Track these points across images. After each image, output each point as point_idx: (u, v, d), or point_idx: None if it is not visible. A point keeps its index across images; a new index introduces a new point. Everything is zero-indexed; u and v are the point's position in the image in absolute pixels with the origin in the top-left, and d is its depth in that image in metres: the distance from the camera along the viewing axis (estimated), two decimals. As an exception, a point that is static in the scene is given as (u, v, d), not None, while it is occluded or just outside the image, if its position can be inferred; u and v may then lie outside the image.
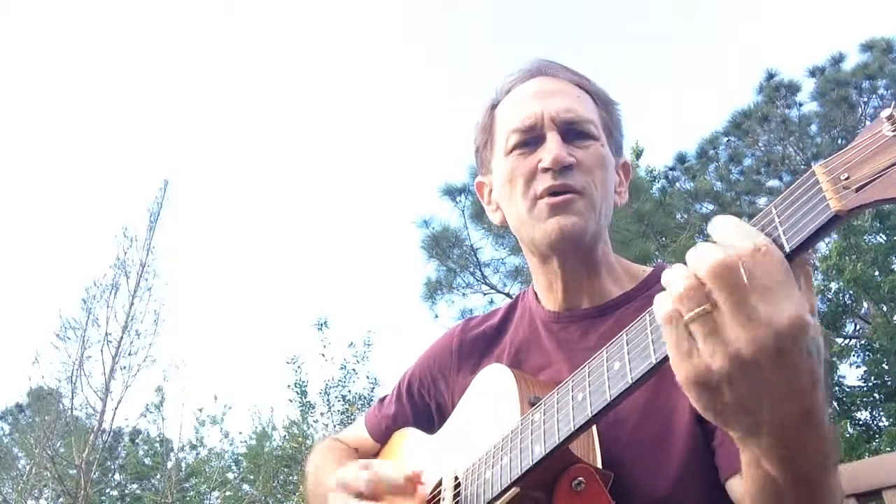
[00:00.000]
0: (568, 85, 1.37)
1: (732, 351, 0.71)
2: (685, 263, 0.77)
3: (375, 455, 1.63)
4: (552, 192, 1.27)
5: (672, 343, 0.76)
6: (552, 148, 1.27)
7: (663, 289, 0.79)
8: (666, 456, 1.15)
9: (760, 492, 0.86)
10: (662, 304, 0.77)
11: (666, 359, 0.83)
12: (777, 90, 15.08)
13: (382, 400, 1.66)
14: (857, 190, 0.68)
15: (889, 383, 11.35)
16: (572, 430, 0.98)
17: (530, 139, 1.31)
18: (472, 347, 1.50)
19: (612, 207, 1.36)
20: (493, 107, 1.43)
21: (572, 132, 1.30)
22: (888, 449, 9.61)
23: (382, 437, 1.61)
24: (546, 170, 1.27)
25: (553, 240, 1.27)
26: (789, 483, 0.81)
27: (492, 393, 1.28)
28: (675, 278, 0.76)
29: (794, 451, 0.79)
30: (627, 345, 0.90)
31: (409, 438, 1.54)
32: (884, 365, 11.26)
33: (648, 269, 1.41)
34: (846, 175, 0.70)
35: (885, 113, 0.68)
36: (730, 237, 0.75)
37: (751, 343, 0.71)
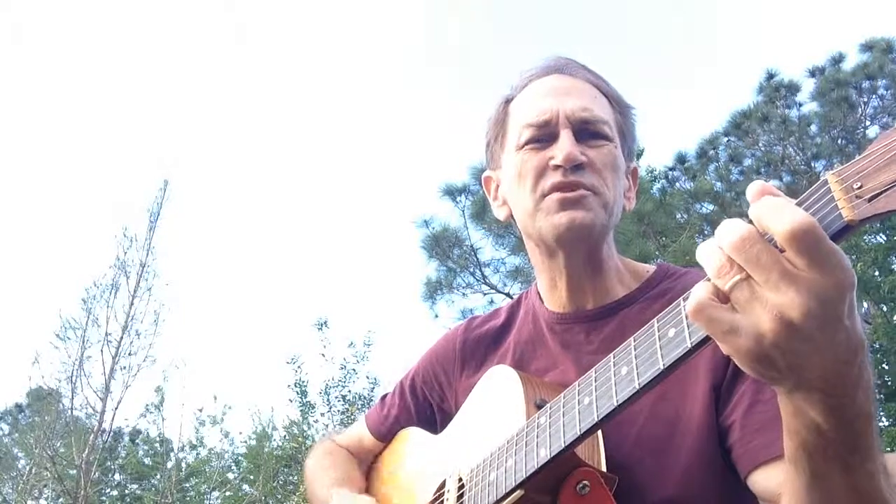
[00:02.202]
0: (585, 84, 1.35)
1: (777, 315, 0.70)
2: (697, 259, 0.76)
3: (378, 454, 1.63)
4: (561, 188, 1.25)
5: (714, 323, 0.74)
6: (565, 146, 1.26)
7: (670, 289, 0.78)
8: (673, 458, 1.14)
9: (803, 446, 0.82)
10: (696, 294, 0.75)
11: (674, 365, 0.83)
12: (777, 90, 15.06)
13: (384, 398, 1.65)
14: (871, 199, 0.68)
15: (889, 383, 11.36)
16: (578, 434, 0.98)
17: (543, 135, 1.30)
18: (476, 348, 1.49)
19: (621, 210, 1.35)
20: (508, 102, 1.41)
21: (586, 132, 1.29)
22: (888, 449, 9.61)
23: (385, 436, 1.61)
24: (557, 167, 1.26)
25: (561, 232, 1.25)
26: (835, 429, 0.78)
27: (497, 394, 1.28)
28: (707, 254, 0.75)
29: (842, 396, 0.77)
30: (635, 350, 0.90)
31: (412, 438, 1.55)
32: (884, 365, 11.27)
33: (652, 268, 1.40)
34: (859, 184, 0.69)
35: None
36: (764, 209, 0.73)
37: (795, 305, 0.69)
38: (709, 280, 0.75)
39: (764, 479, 1.04)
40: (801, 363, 0.73)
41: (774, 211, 0.71)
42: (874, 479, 0.82)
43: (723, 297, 0.74)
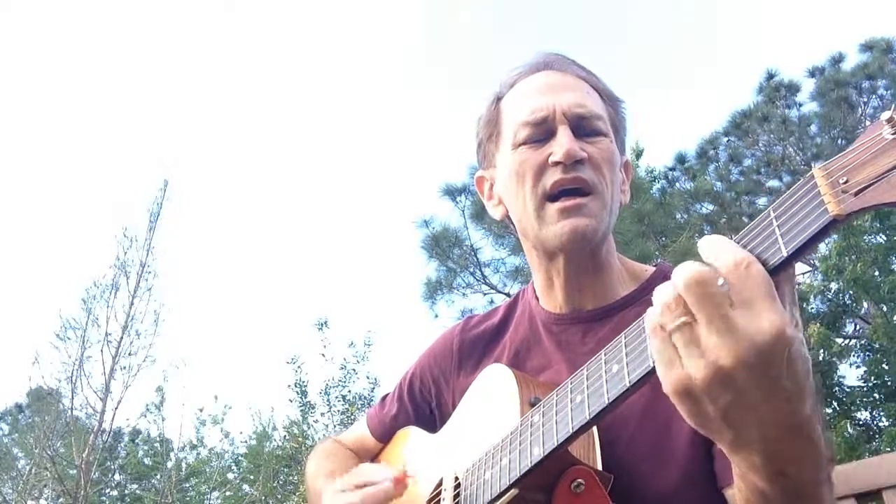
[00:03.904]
0: (576, 80, 1.35)
1: (711, 360, 0.71)
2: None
3: (377, 454, 1.63)
4: (562, 188, 1.25)
5: (656, 352, 0.77)
6: (564, 142, 1.25)
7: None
8: (667, 458, 1.14)
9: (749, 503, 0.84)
10: (649, 317, 0.79)
11: None
12: (777, 90, 15.07)
13: (384, 399, 1.65)
14: (856, 194, 0.68)
15: (889, 383, 11.33)
16: (570, 432, 0.98)
17: (540, 133, 1.28)
18: (473, 347, 1.49)
19: (618, 207, 1.34)
20: (498, 99, 1.40)
21: (583, 128, 1.28)
22: (888, 449, 9.59)
23: (384, 436, 1.61)
24: (557, 163, 1.25)
25: (564, 241, 1.25)
26: (779, 498, 0.80)
27: (493, 393, 1.28)
28: (660, 293, 0.77)
29: (786, 465, 0.78)
30: (626, 348, 0.90)
31: (410, 438, 1.55)
32: (884, 365, 11.23)
33: (651, 269, 1.40)
34: (845, 178, 0.69)
35: (885, 115, 0.67)
36: (714, 253, 0.76)
37: (729, 354, 0.71)
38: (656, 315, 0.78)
39: (734, 497, 1.05)
40: (735, 418, 0.74)
41: (722, 245, 0.75)
42: None
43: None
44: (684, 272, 0.74)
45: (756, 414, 0.73)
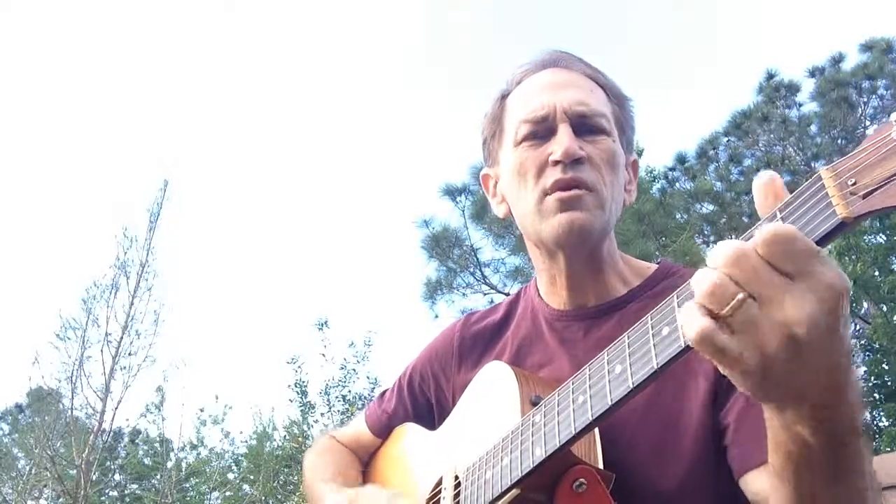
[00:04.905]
0: (582, 77, 1.34)
1: (786, 332, 0.68)
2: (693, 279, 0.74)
3: (376, 451, 1.62)
4: (561, 186, 1.24)
5: (717, 355, 0.72)
6: (563, 141, 1.25)
7: (672, 287, 0.78)
8: (671, 456, 1.14)
9: (790, 458, 0.81)
10: (691, 323, 0.73)
11: (667, 364, 0.82)
12: (777, 90, 15.07)
13: (383, 395, 1.65)
14: (865, 196, 0.66)
15: (889, 383, 11.34)
16: (573, 433, 0.98)
17: (541, 131, 1.28)
18: (474, 343, 1.49)
19: (622, 205, 1.34)
20: (504, 97, 1.40)
21: (584, 126, 1.28)
22: (888, 449, 9.60)
23: (383, 432, 1.61)
24: (556, 163, 1.25)
25: (560, 234, 1.25)
26: (822, 444, 0.77)
27: (493, 391, 1.28)
28: (700, 280, 0.72)
29: (832, 413, 0.76)
30: (629, 348, 0.89)
31: (409, 435, 1.54)
32: (884, 365, 11.24)
33: (654, 266, 1.40)
34: (853, 180, 0.68)
35: (894, 116, 0.66)
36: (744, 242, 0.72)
37: (803, 320, 0.68)
38: (701, 305, 0.72)
39: (754, 482, 1.04)
40: (801, 379, 0.72)
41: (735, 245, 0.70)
42: (861, 495, 0.81)
43: (720, 322, 0.72)
44: (724, 252, 0.71)
45: (817, 370, 0.71)
